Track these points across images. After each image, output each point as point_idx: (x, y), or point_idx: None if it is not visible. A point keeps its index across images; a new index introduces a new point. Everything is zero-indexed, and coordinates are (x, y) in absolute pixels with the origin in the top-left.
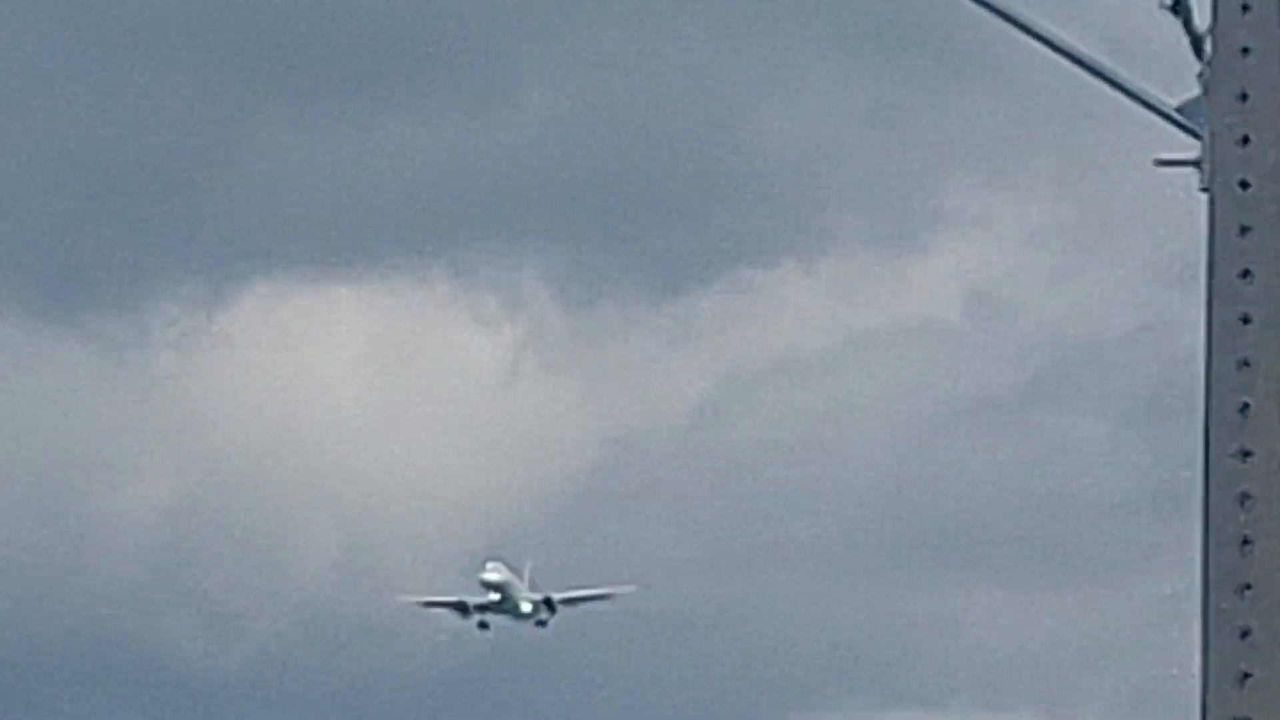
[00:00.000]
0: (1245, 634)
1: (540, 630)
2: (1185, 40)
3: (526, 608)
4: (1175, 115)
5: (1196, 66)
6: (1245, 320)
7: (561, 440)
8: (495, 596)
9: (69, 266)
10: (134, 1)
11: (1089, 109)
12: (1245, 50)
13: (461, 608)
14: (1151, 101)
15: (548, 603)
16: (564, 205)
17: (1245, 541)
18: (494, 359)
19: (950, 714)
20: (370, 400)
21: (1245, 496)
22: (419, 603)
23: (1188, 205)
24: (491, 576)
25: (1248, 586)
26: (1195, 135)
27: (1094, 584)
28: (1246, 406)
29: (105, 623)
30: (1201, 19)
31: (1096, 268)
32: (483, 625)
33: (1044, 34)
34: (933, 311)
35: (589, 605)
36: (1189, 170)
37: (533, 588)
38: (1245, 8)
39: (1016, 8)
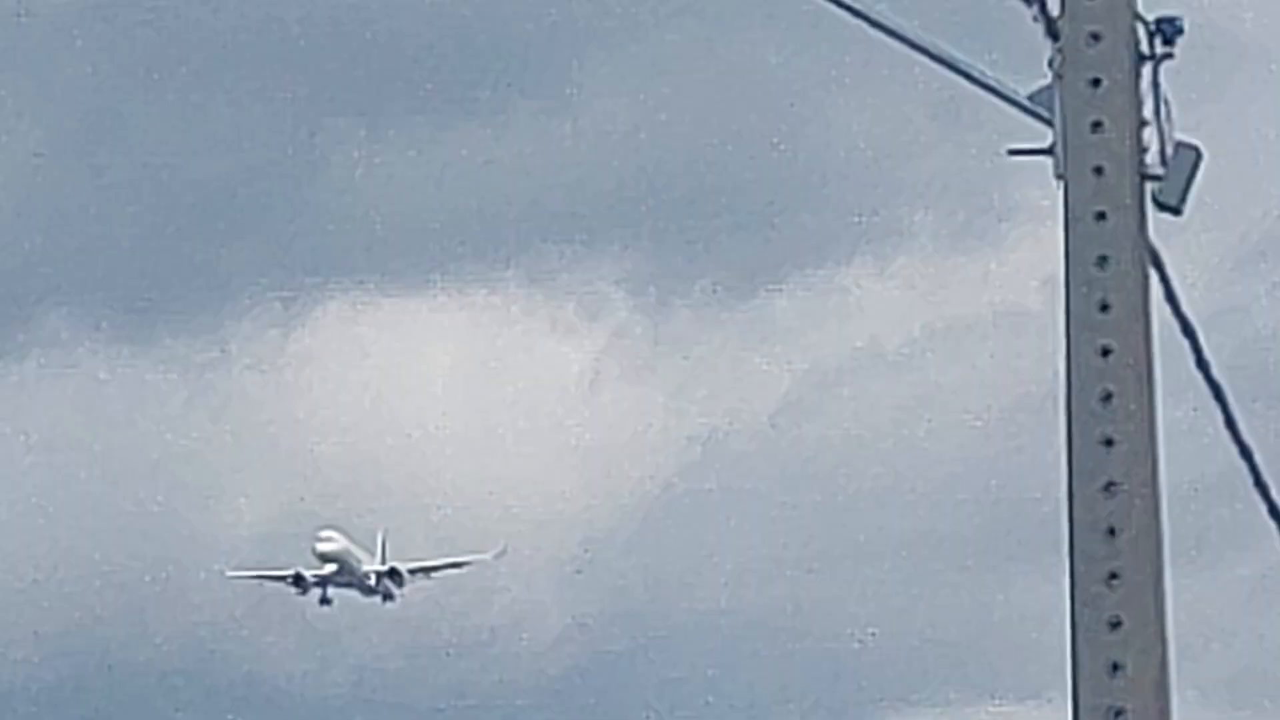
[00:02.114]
0: (1115, 625)
1: (388, 605)
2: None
3: (370, 580)
4: (1026, 104)
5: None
6: (1104, 308)
7: (646, 444)
8: (332, 567)
9: (146, 289)
10: (205, 22)
11: None
12: (1095, 36)
13: (298, 581)
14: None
15: (393, 574)
16: (637, 210)
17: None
18: (575, 365)
19: (1046, 707)
20: (454, 412)
21: (1110, 484)
22: (251, 577)
23: None
24: (326, 546)
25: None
26: (1048, 123)
27: (1184, 568)
28: (1109, 396)
29: (203, 644)
30: (1053, 3)
31: (1172, 249)
32: (325, 600)
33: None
34: (1011, 300)
35: (444, 574)
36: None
37: (385, 559)
38: None
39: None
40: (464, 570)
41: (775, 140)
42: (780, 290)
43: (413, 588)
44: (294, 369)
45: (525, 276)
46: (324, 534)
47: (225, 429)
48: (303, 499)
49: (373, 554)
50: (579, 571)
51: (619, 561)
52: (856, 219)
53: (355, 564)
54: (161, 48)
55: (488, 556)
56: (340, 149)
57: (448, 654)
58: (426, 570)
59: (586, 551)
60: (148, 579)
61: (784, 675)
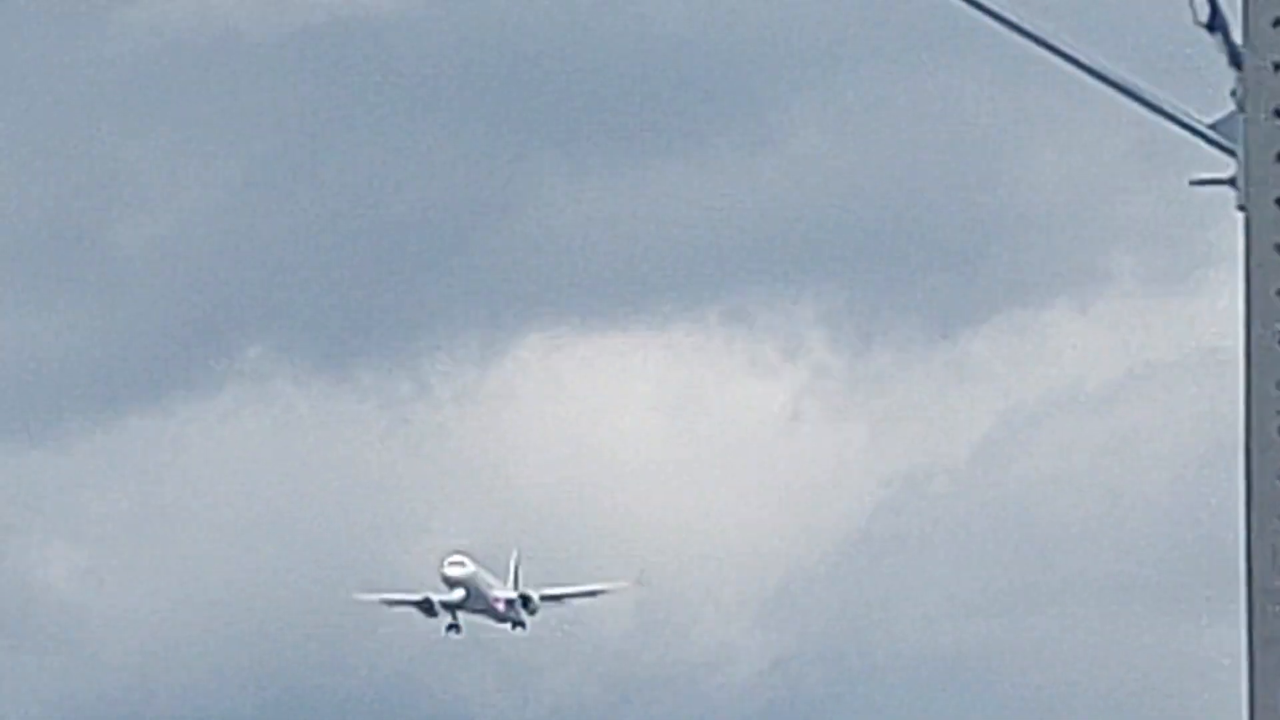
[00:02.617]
0: None
1: (519, 632)
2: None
3: (500, 605)
4: (1209, 133)
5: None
6: None
7: (845, 483)
8: (460, 593)
9: (345, 323)
10: (407, 57)
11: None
12: (1278, 66)
13: (426, 607)
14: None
15: (525, 601)
16: (837, 249)
17: None
18: (774, 403)
19: None
20: (653, 449)
21: None
22: (380, 601)
23: None
24: (453, 571)
25: None
26: (1231, 153)
27: None
28: None
29: (403, 678)
30: (1238, 34)
31: None
32: (453, 627)
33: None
34: (1213, 343)
35: (578, 602)
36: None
37: (517, 584)
38: (1276, 22)
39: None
40: (596, 599)
41: (975, 180)
42: (978, 331)
43: (613, 621)
44: (493, 404)
45: (725, 314)
46: (452, 558)
47: (423, 462)
48: (502, 532)
49: (504, 580)
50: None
51: (817, 600)
52: (1057, 260)
53: (485, 589)
54: (364, 82)
55: (626, 585)
56: (542, 184)
57: (647, 690)
58: (559, 597)
59: (784, 590)
60: (345, 611)
61: (981, 715)
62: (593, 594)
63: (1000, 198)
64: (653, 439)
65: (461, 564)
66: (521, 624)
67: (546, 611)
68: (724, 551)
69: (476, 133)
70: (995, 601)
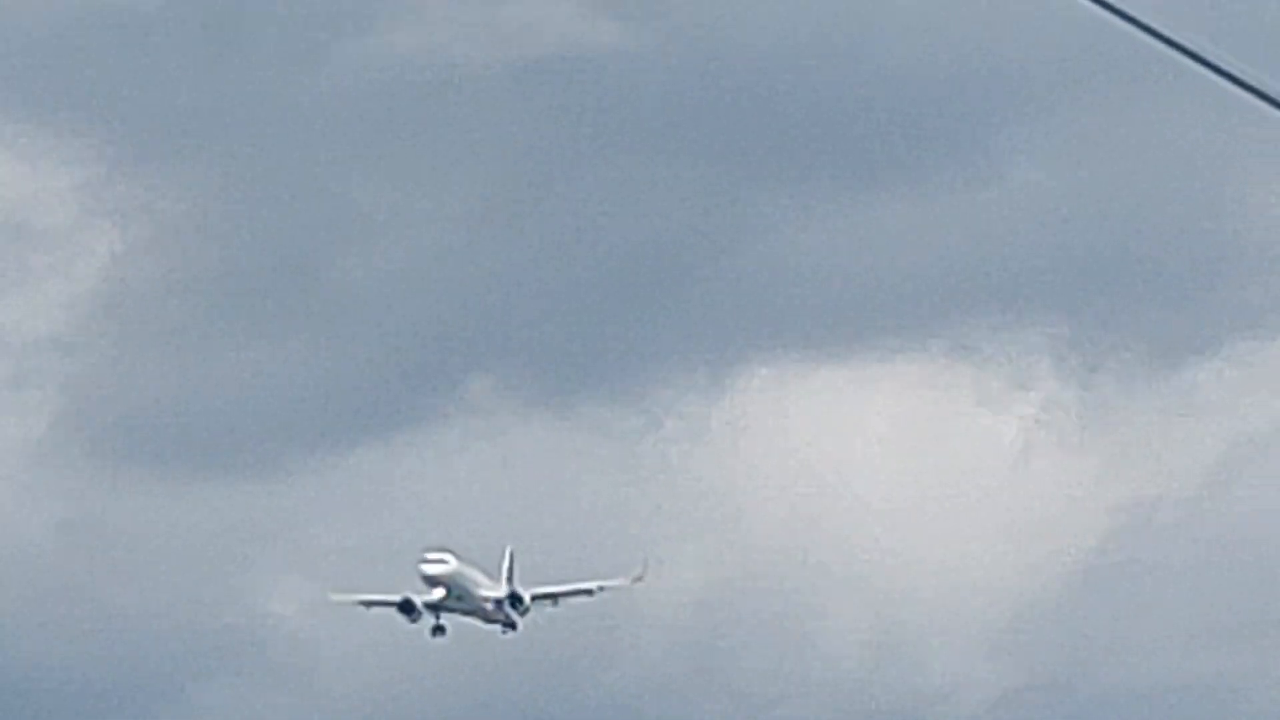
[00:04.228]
0: None
1: (509, 635)
2: None
3: (489, 606)
4: None
5: None
6: None
7: (1075, 513)
8: (441, 592)
9: (571, 356)
10: (633, 89)
11: None
12: None
13: (407, 608)
14: None
15: (514, 600)
16: (1060, 280)
17: None
18: (1002, 436)
19: None
20: (882, 482)
21: None
22: (355, 602)
23: None
24: (432, 569)
25: None
26: None
27: None
28: None
29: (641, 712)
30: None
31: None
32: (438, 629)
33: None
34: None
35: (572, 602)
36: None
37: (510, 582)
38: None
39: None
40: (598, 594)
41: (1200, 210)
42: (1203, 362)
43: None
44: (720, 436)
45: (950, 346)
46: (431, 555)
47: (652, 496)
48: (734, 567)
49: (496, 579)
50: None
51: (1048, 632)
52: None
53: (470, 588)
54: (588, 116)
55: (624, 582)
56: (767, 218)
57: None
58: (553, 596)
59: (1016, 623)
60: (577, 648)
61: None
62: (588, 592)
63: (1226, 227)
64: (881, 472)
65: (442, 561)
66: (512, 625)
67: (775, 645)
68: (954, 583)
69: (701, 166)
70: (1226, 631)
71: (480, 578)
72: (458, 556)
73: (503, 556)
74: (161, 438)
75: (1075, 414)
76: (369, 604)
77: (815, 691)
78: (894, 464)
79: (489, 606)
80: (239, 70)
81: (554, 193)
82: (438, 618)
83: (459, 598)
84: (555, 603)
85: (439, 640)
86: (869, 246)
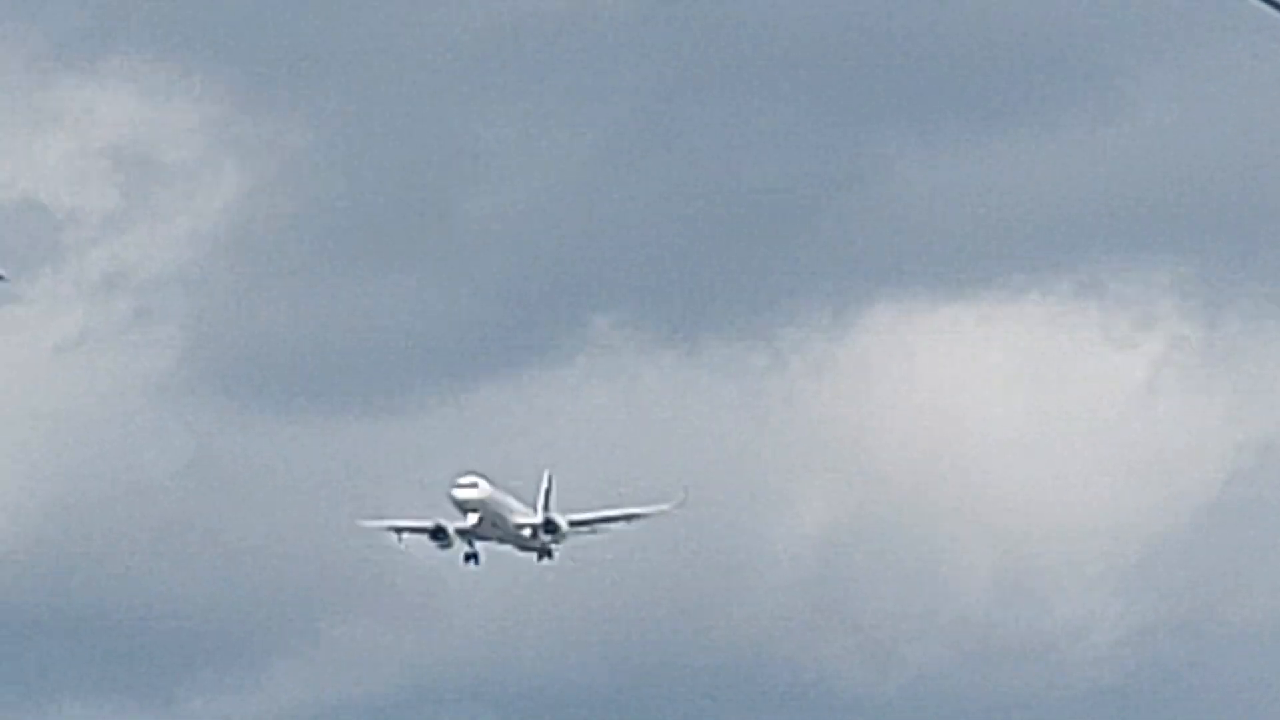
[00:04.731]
0: None
1: (546, 562)
2: None
3: (525, 533)
4: None
5: None
6: None
7: (1201, 452)
8: (474, 518)
9: (695, 294)
10: (758, 27)
11: None
12: None
13: (439, 534)
14: None
15: (549, 526)
16: (1187, 219)
17: None
18: (1129, 374)
19: None
20: (1007, 420)
21: None
22: (384, 528)
23: None
24: (465, 494)
25: None
26: None
27: None
28: None
29: (764, 649)
30: None
31: None
32: (470, 557)
33: None
34: None
35: (612, 528)
36: None
37: (547, 508)
38: None
39: None
40: (632, 524)
41: None
42: None
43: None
44: (845, 374)
45: (1077, 285)
46: (464, 480)
47: (776, 434)
48: (859, 505)
49: (531, 506)
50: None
51: (1176, 569)
52: None
53: (504, 515)
54: (715, 54)
55: (667, 508)
56: (892, 156)
57: (1005, 661)
58: (591, 523)
59: (1142, 561)
60: (711, 585)
61: None
62: (629, 518)
63: None
64: (1007, 410)
65: (474, 485)
66: (548, 553)
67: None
68: (1082, 522)
69: (826, 103)
70: None
71: (514, 503)
72: (490, 481)
73: (541, 481)
74: (287, 374)
75: (1201, 352)
76: (399, 530)
77: (941, 630)
78: (1020, 402)
79: (525, 533)
80: (365, 5)
81: (679, 130)
82: (470, 544)
83: (492, 524)
84: (593, 530)
85: (472, 567)
86: (995, 184)
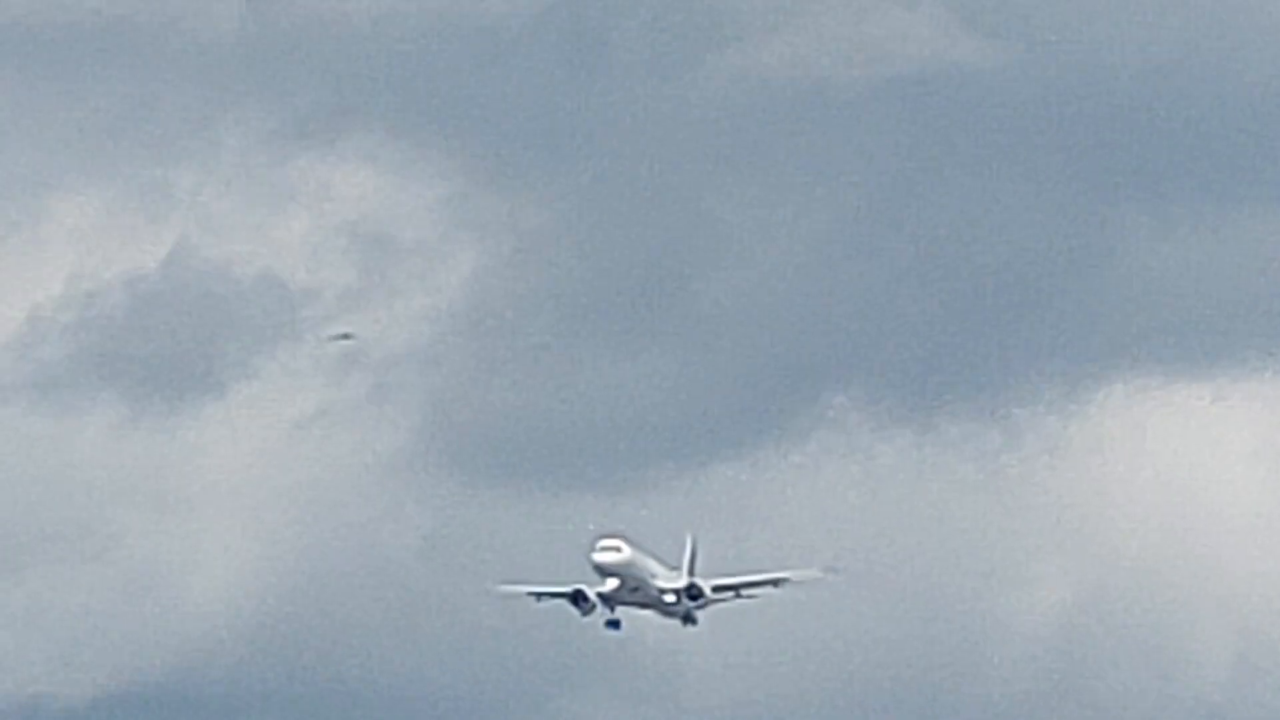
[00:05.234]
0: None
1: (690, 629)
2: None
3: (668, 598)
4: None
5: None
6: None
7: None
8: (614, 582)
9: (930, 372)
10: (996, 105)
11: None
12: None
13: (578, 599)
14: None
15: (692, 592)
16: None
17: None
18: None
19: None
20: (1246, 498)
21: None
22: (525, 593)
23: None
24: (605, 557)
25: None
26: None
27: None
28: None
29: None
30: None
31: None
32: (611, 624)
33: None
34: None
35: (757, 593)
36: None
37: (692, 572)
38: None
39: None
40: (779, 589)
41: None
42: None
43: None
44: (1079, 453)
45: None
46: (604, 543)
47: (1011, 512)
48: (1095, 584)
49: (676, 570)
50: None
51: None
52: None
53: (646, 579)
54: (953, 132)
55: (816, 573)
56: (1128, 233)
57: None
58: (735, 588)
59: None
60: (941, 662)
61: None
62: (775, 583)
63: None
64: (1245, 489)
65: (616, 549)
66: (691, 619)
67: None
68: None
69: (1063, 181)
70: None
71: (656, 567)
72: (632, 544)
73: (685, 545)
74: (522, 452)
75: None
76: (539, 595)
77: (1179, 711)
78: (1256, 479)
79: (668, 599)
80: (603, 83)
81: (915, 209)
82: (612, 610)
83: (634, 589)
84: (738, 595)
85: (613, 634)
86: (1228, 262)
